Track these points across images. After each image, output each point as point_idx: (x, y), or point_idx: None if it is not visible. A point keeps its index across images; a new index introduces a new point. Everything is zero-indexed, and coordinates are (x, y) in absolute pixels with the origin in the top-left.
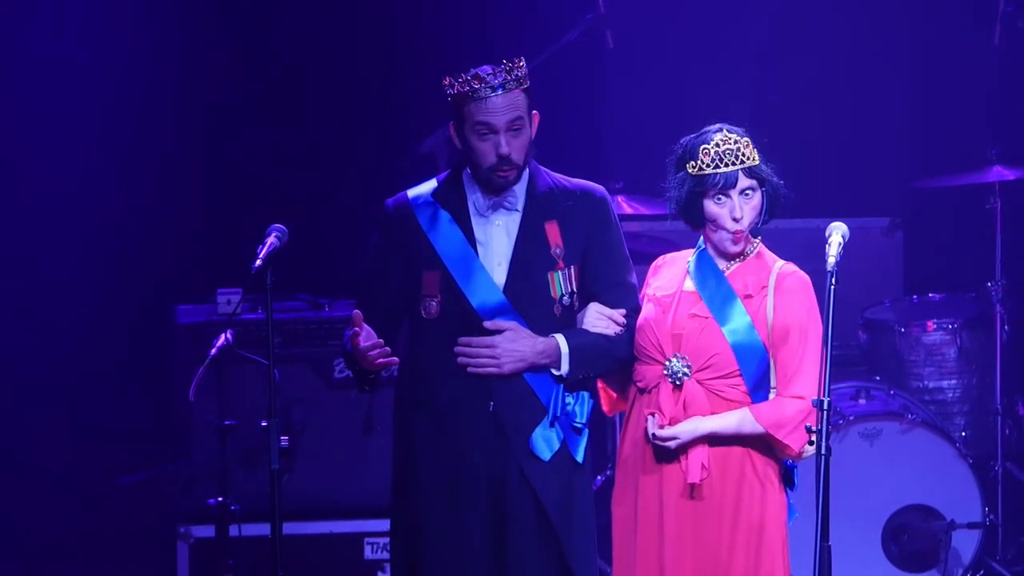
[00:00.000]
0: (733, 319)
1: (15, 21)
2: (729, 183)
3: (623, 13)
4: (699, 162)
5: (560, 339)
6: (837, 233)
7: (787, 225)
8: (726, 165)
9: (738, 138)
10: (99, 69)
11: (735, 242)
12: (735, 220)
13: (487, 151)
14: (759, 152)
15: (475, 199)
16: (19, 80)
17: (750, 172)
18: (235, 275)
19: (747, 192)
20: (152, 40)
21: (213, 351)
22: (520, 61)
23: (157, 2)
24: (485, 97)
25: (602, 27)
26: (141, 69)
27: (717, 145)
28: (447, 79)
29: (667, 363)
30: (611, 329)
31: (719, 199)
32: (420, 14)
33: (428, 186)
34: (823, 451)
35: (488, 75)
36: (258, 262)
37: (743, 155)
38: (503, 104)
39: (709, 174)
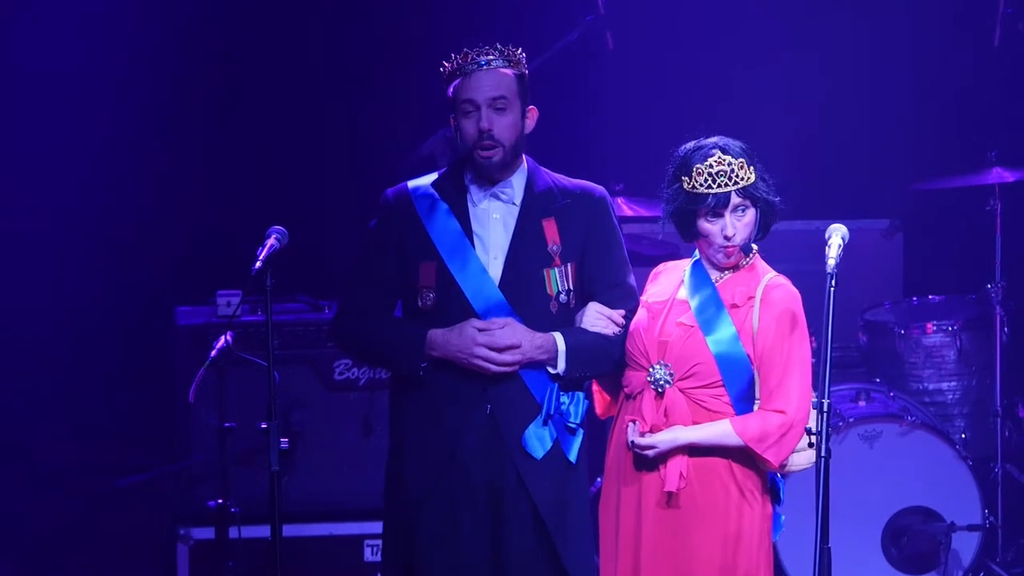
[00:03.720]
0: (718, 329)
1: (16, 22)
2: (720, 204)
3: (623, 15)
4: (692, 180)
5: (558, 337)
6: (837, 235)
7: (787, 227)
8: (719, 186)
9: (732, 159)
10: (100, 71)
11: (727, 256)
12: (727, 238)
13: (470, 128)
14: (757, 166)
15: (473, 191)
16: (20, 82)
17: (743, 191)
18: (235, 277)
19: (740, 210)
20: (152, 43)
21: (213, 353)
22: (517, 48)
23: (157, 5)
24: (470, 72)
25: (602, 28)
26: (142, 72)
27: (711, 166)
28: (443, 64)
29: (650, 370)
30: (610, 329)
31: (711, 218)
32: (420, 16)
33: (428, 178)
34: (823, 453)
35: (475, 51)
36: (258, 264)
37: (736, 176)
38: (487, 81)
39: (701, 193)
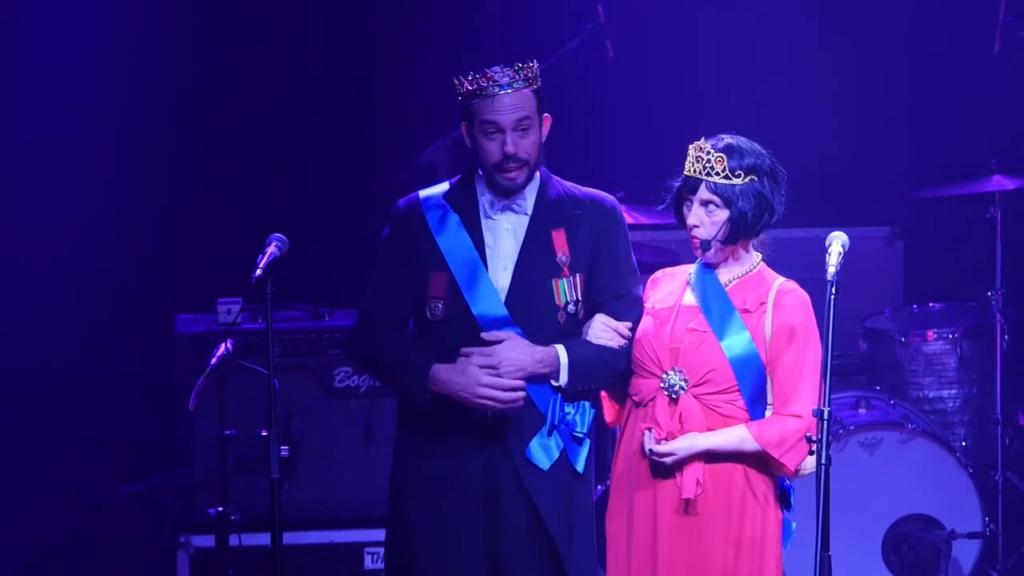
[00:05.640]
0: (732, 333)
1: (15, 23)
2: (688, 188)
3: (623, 23)
4: (685, 161)
5: (560, 350)
6: (837, 243)
7: (787, 235)
8: (694, 172)
9: (712, 151)
10: (99, 80)
11: (693, 248)
12: (690, 227)
13: (493, 150)
14: (758, 179)
15: (485, 201)
16: (19, 89)
17: (715, 188)
18: (235, 285)
19: (709, 206)
20: (151, 51)
21: (213, 361)
22: (532, 63)
23: (155, 13)
24: (492, 95)
25: (602, 37)
26: (142, 80)
27: (694, 150)
28: (457, 79)
29: (664, 376)
30: (615, 341)
31: (687, 203)
32: (421, 24)
33: (440, 188)
34: (823, 461)
35: (496, 73)
36: (258, 272)
37: (711, 168)
38: (510, 102)
39: (684, 175)
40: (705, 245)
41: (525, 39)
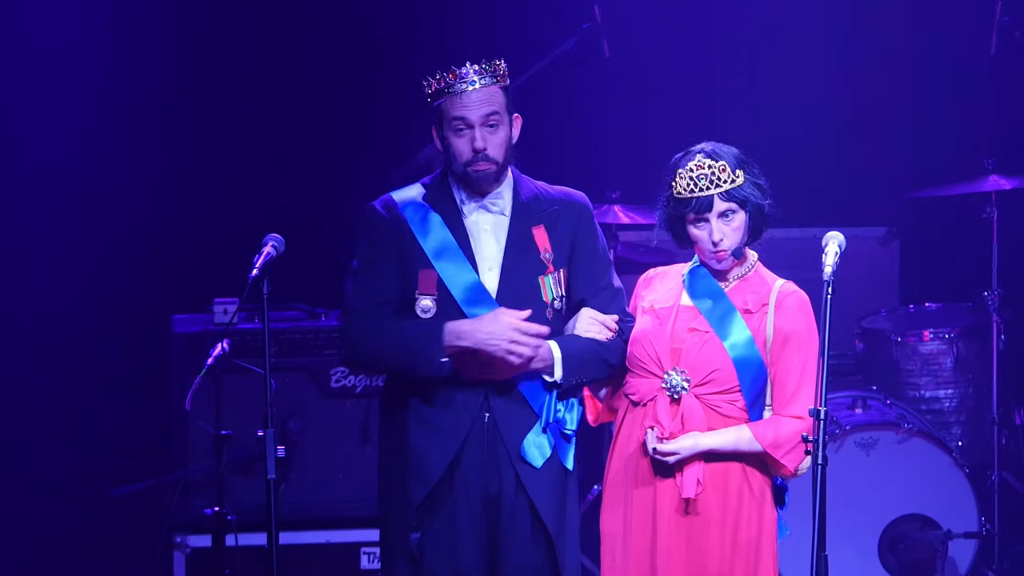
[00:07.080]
0: (734, 333)
1: (15, 27)
2: (703, 207)
3: (619, 23)
4: (677, 184)
5: (553, 345)
6: (833, 243)
7: (784, 234)
8: (701, 190)
9: (713, 163)
10: (97, 81)
11: (718, 262)
12: (715, 243)
13: (463, 146)
14: (750, 172)
15: (462, 203)
16: (19, 90)
17: (728, 195)
18: (232, 285)
19: (727, 214)
20: (149, 51)
21: (209, 361)
22: (500, 61)
23: (153, 14)
24: (460, 92)
25: (598, 37)
26: (139, 80)
27: (691, 170)
28: (425, 80)
29: (666, 376)
30: (603, 334)
31: (698, 223)
32: (418, 25)
33: (414, 189)
34: (820, 461)
35: (464, 70)
36: (254, 272)
37: (718, 179)
38: (478, 99)
39: (686, 198)
40: (738, 252)
41: (522, 39)
